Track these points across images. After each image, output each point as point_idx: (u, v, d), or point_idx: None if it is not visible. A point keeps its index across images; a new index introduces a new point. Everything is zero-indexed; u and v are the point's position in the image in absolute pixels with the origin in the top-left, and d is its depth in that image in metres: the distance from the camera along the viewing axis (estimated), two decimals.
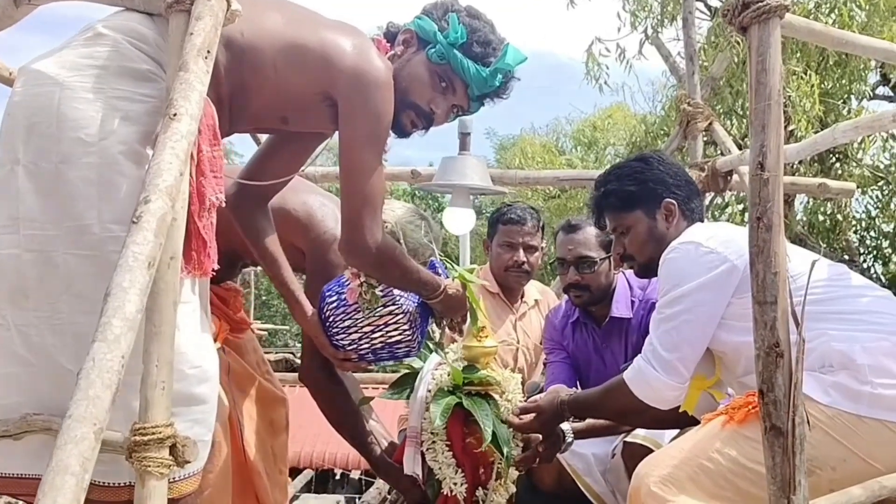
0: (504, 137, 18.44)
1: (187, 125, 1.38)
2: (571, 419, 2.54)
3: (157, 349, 1.45)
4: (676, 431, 2.48)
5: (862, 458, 1.83)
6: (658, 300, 2.18)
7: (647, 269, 2.40)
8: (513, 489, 2.50)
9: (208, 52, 1.48)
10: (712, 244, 2.11)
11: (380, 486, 4.04)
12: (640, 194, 2.36)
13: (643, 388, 2.12)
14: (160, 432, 1.44)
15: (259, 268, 2.83)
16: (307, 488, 10.74)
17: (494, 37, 2.12)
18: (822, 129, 6.71)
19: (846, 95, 7.42)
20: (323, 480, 12.16)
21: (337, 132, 2.08)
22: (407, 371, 2.60)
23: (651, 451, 2.46)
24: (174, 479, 1.63)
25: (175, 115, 1.38)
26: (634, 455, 2.52)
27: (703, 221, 2.39)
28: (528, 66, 2.20)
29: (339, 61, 1.90)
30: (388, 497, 3.96)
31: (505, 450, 2.39)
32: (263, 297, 20.83)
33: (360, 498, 3.89)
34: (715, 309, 2.08)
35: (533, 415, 2.44)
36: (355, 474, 10.95)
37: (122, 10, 1.75)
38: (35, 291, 1.61)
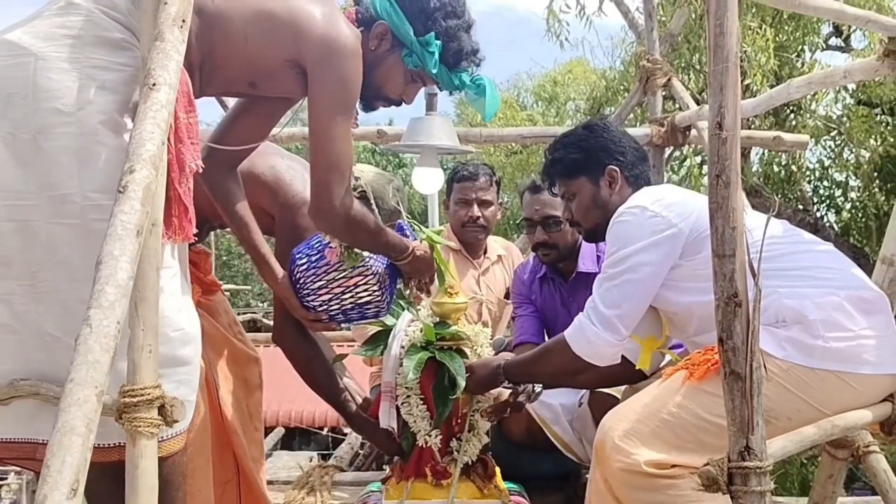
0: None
1: (166, 94, 1.41)
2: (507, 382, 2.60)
3: (143, 314, 1.49)
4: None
5: (816, 407, 1.93)
6: (604, 262, 2.26)
7: (594, 235, 2.48)
8: (486, 440, 2.59)
9: (183, 21, 1.50)
10: (657, 208, 2.19)
11: (352, 441, 4.14)
12: (584, 161, 2.43)
13: (582, 344, 2.18)
14: (149, 393, 1.49)
15: (220, 229, 2.87)
16: (275, 446, 10.84)
17: (466, 37, 2.15)
18: (776, 83, 6.85)
19: (800, 48, 7.56)
20: (288, 439, 12.25)
21: (298, 95, 2.12)
22: (380, 328, 2.67)
23: (617, 399, 2.56)
24: (162, 438, 1.68)
25: (154, 84, 1.41)
26: (600, 404, 2.62)
27: (649, 185, 2.46)
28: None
29: (308, 30, 1.92)
30: (360, 452, 4.06)
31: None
32: (224, 258, 20.73)
33: (332, 453, 3.97)
34: (658, 270, 2.16)
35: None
36: (324, 431, 11.07)
37: None
38: (17, 260, 1.64)
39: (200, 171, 1.69)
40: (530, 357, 2.47)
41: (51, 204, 1.61)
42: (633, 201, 2.27)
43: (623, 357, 2.29)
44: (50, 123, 1.60)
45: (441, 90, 2.25)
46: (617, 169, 2.40)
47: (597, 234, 2.44)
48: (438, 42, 2.11)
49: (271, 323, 6.09)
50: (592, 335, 2.16)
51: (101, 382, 1.15)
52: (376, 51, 2.13)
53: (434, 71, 2.13)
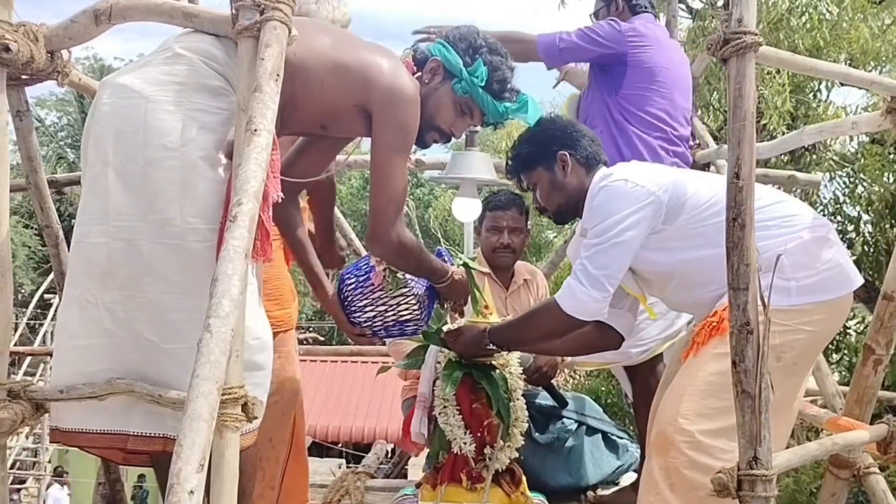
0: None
1: (265, 139, 1.66)
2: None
3: None
4: None
5: (809, 331, 2.22)
6: (589, 231, 2.48)
7: (561, 216, 2.75)
8: (515, 455, 2.80)
9: (278, 75, 1.75)
10: (638, 179, 2.43)
11: (377, 451, 4.35)
12: (537, 154, 2.68)
13: (571, 302, 2.41)
14: (235, 392, 1.72)
15: None
16: None
17: (509, 72, 2.40)
18: (792, 123, 7.06)
19: (817, 87, 7.75)
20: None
21: (361, 136, 2.38)
22: (419, 344, 2.91)
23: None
24: (241, 433, 1.92)
25: (256, 130, 1.65)
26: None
27: (606, 164, 2.68)
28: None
29: (376, 79, 2.17)
30: (384, 466, 4.28)
31: (507, 417, 2.71)
32: None
33: (354, 462, 4.19)
34: (640, 234, 2.40)
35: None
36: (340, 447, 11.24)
37: (193, 30, 2.02)
38: (122, 274, 1.89)
39: (279, 201, 1.93)
40: (517, 321, 2.74)
41: (155, 226, 1.87)
42: (614, 175, 2.50)
43: (600, 323, 2.53)
44: (157, 157, 1.87)
45: (485, 124, 2.49)
46: (567, 153, 2.63)
47: (563, 216, 2.72)
48: (484, 69, 2.35)
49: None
50: (581, 293, 2.39)
51: (220, 378, 1.39)
52: (430, 84, 2.37)
53: (480, 94, 2.35)
